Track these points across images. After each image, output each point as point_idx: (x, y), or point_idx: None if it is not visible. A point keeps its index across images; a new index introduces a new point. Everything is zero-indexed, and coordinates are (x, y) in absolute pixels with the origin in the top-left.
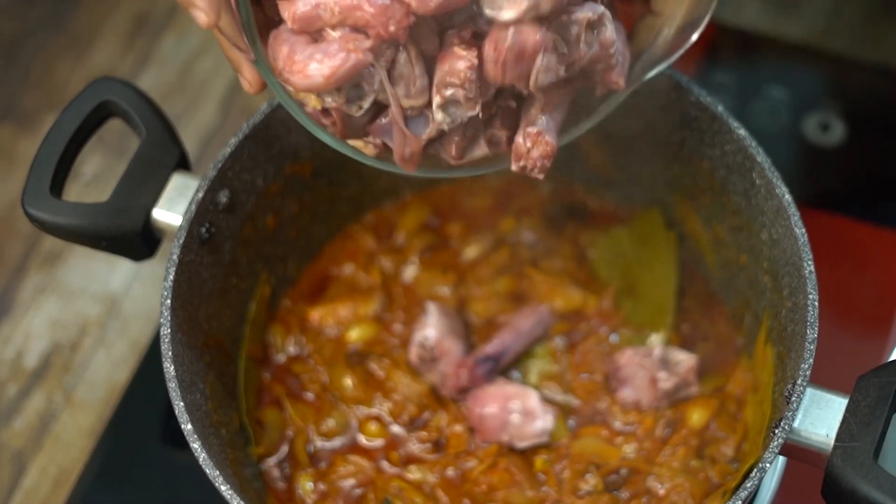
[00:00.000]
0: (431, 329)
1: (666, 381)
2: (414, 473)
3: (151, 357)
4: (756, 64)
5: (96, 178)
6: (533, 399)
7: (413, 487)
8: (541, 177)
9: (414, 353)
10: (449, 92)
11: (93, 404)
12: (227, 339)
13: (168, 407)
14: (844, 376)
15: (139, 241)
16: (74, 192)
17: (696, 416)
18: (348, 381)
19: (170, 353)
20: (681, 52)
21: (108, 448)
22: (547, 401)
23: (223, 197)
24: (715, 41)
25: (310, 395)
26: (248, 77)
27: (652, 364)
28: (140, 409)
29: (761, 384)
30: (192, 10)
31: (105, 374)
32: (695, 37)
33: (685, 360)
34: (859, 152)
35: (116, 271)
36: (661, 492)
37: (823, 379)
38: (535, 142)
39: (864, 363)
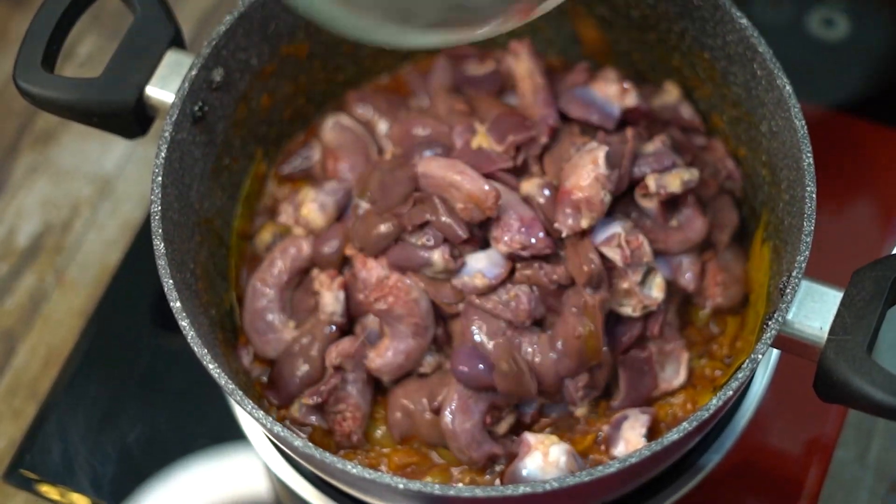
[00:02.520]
0: None
1: None
2: None
3: (143, 239)
4: None
5: (91, 57)
6: None
7: None
8: None
9: None
10: None
11: (84, 285)
12: (219, 219)
13: (159, 289)
14: (841, 272)
15: (131, 117)
16: (69, 71)
17: (702, 314)
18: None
19: (160, 230)
20: None
21: (98, 328)
22: None
23: (217, 75)
24: None
25: None
26: None
27: None
28: (131, 291)
29: (756, 285)
30: None
31: (97, 254)
32: None
33: None
34: (862, 49)
35: (110, 152)
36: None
37: (820, 274)
38: None
39: (861, 259)
